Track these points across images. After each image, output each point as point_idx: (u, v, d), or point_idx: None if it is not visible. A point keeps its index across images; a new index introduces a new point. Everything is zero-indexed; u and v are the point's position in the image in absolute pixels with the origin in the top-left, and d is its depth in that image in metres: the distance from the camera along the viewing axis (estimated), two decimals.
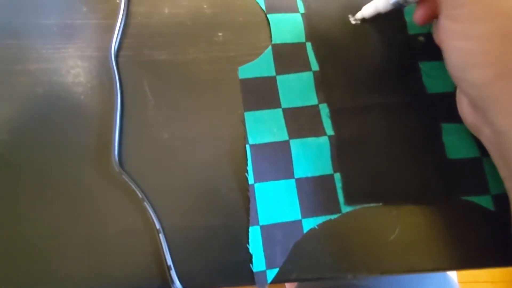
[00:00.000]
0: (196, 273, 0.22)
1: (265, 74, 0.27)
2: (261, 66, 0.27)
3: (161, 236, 0.22)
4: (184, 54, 0.27)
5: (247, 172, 0.24)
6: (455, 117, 0.24)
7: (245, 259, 0.22)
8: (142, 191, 0.23)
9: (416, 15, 0.25)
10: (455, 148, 0.25)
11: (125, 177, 0.23)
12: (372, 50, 0.27)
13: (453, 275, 0.45)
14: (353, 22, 0.28)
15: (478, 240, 0.23)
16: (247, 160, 0.24)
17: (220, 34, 0.28)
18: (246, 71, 0.27)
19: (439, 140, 0.25)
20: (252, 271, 0.22)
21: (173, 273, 0.21)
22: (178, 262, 0.22)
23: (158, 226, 0.22)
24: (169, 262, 0.21)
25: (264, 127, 0.25)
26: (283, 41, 0.27)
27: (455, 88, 0.25)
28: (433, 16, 0.24)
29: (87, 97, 0.26)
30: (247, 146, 0.24)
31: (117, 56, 0.27)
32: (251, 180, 0.24)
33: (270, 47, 0.27)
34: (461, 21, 0.20)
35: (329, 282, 0.43)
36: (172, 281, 0.21)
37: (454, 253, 0.23)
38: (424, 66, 0.27)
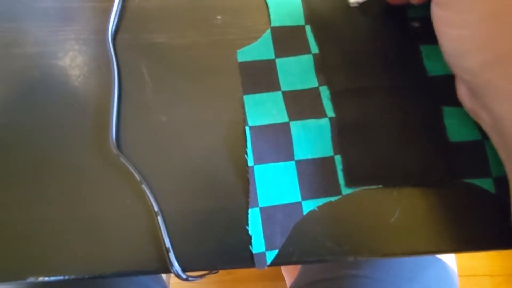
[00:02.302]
0: (195, 255, 0.22)
1: (264, 57, 0.26)
2: (260, 49, 0.26)
3: (160, 218, 0.22)
4: (183, 37, 0.27)
5: (247, 154, 0.23)
6: (456, 100, 0.24)
7: (244, 241, 0.22)
8: (140, 173, 0.23)
9: None
10: (457, 131, 0.24)
11: (123, 160, 0.23)
12: (372, 33, 0.27)
13: (453, 265, 0.44)
14: (352, 5, 0.27)
15: (479, 223, 0.23)
16: (246, 142, 0.24)
17: (219, 17, 0.27)
18: (245, 54, 0.26)
19: (441, 122, 0.25)
20: (251, 252, 0.22)
21: (171, 255, 0.21)
22: (177, 245, 0.22)
23: (156, 208, 0.22)
24: (168, 244, 0.21)
25: (264, 109, 0.25)
26: (282, 24, 0.27)
27: None
28: None
29: (84, 80, 0.25)
30: (247, 128, 0.24)
31: (114, 39, 0.26)
32: (250, 162, 0.23)
33: (269, 30, 0.27)
34: (449, 9, 0.20)
35: (329, 272, 0.43)
36: (171, 263, 0.21)
37: (455, 235, 0.23)
38: (425, 49, 0.26)
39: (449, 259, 0.44)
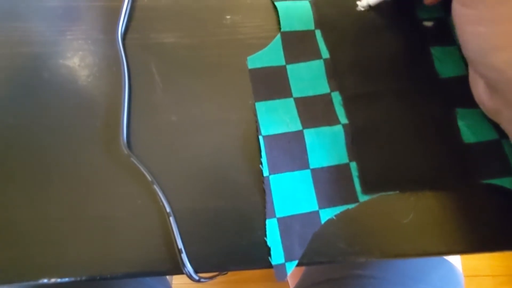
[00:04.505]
0: (206, 256, 0.22)
1: (275, 64, 0.26)
2: (270, 55, 0.26)
3: (172, 219, 0.21)
4: (192, 37, 0.27)
5: (261, 164, 0.23)
6: (469, 101, 0.24)
7: (256, 242, 0.22)
8: (151, 174, 0.23)
9: None
10: (471, 132, 0.24)
11: (134, 160, 0.22)
12: (383, 36, 0.27)
13: (458, 265, 0.44)
14: (361, 9, 0.27)
15: (498, 222, 0.23)
16: (260, 151, 0.23)
17: (228, 17, 0.27)
18: (255, 60, 0.26)
19: (454, 125, 0.24)
20: (262, 254, 0.22)
21: (184, 256, 0.21)
22: (189, 245, 0.22)
23: (168, 209, 0.22)
24: (180, 245, 0.21)
25: (277, 117, 0.24)
26: (292, 29, 0.27)
27: (467, 72, 0.25)
28: None
29: (94, 80, 0.25)
30: (260, 138, 0.24)
31: (123, 39, 0.26)
32: (265, 172, 0.23)
33: (279, 35, 0.27)
34: (474, 6, 0.19)
35: (334, 272, 0.43)
36: (183, 264, 0.21)
37: (470, 236, 0.23)
38: (436, 51, 0.26)
39: (455, 260, 0.44)
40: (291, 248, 0.22)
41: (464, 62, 0.26)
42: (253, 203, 0.23)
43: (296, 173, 0.23)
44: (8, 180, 0.23)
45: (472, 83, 0.23)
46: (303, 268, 0.55)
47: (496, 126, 0.23)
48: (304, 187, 0.23)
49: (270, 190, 0.23)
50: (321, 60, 0.26)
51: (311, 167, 0.23)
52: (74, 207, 0.22)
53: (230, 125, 0.25)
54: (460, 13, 0.20)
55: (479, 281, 1.08)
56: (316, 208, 0.23)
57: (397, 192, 0.23)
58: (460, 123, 0.24)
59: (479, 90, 0.22)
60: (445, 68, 0.26)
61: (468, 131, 0.24)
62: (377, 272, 0.40)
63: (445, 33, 0.27)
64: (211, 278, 0.23)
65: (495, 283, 1.08)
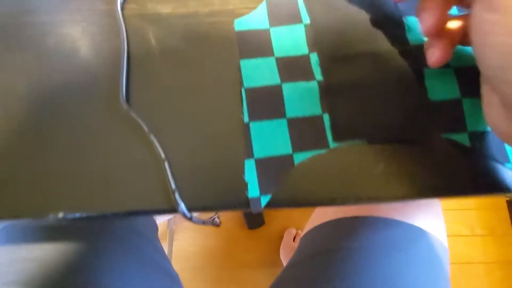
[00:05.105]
0: (198, 198, 0.24)
1: (260, 27, 0.29)
2: (255, 19, 0.29)
3: (166, 164, 0.24)
4: (186, 7, 0.29)
5: (243, 112, 0.26)
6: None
7: (241, 187, 0.24)
8: (148, 126, 0.25)
9: (430, 57, 0.25)
10: (437, 90, 0.27)
11: (132, 114, 0.25)
12: (361, 5, 0.29)
13: (443, 239, 0.47)
14: None
15: (455, 172, 0.25)
16: (242, 101, 0.26)
17: None
18: (242, 24, 0.29)
19: (422, 83, 0.27)
20: (247, 197, 0.24)
21: (177, 196, 0.23)
22: (182, 190, 0.24)
23: (163, 155, 0.24)
24: (173, 186, 0.23)
25: (258, 73, 0.27)
26: None
27: None
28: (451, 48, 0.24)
29: (95, 48, 0.28)
30: (243, 90, 0.26)
31: (122, 9, 0.29)
32: (246, 119, 0.26)
33: (264, 1, 0.29)
34: (503, 10, 0.17)
35: (323, 245, 0.45)
36: (177, 204, 0.23)
37: (434, 183, 0.25)
38: (408, 21, 0.29)
39: (439, 233, 0.46)
40: (266, 184, 0.24)
41: None
42: (239, 153, 0.25)
43: (273, 121, 0.26)
44: (15, 134, 0.25)
45: (486, 106, 0.22)
46: (296, 247, 0.57)
47: (460, 86, 0.26)
48: (280, 133, 0.26)
49: (249, 134, 0.25)
50: (302, 25, 0.29)
51: (287, 116, 0.26)
52: (77, 155, 0.25)
53: (220, 87, 0.27)
54: (483, 19, 0.18)
55: (471, 268, 1.10)
56: (290, 151, 0.25)
57: (365, 141, 0.26)
58: (427, 82, 0.27)
59: (494, 113, 0.21)
60: (414, 37, 0.28)
61: (434, 90, 0.27)
62: (364, 243, 0.42)
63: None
64: (203, 222, 0.26)
65: (487, 270, 1.10)
